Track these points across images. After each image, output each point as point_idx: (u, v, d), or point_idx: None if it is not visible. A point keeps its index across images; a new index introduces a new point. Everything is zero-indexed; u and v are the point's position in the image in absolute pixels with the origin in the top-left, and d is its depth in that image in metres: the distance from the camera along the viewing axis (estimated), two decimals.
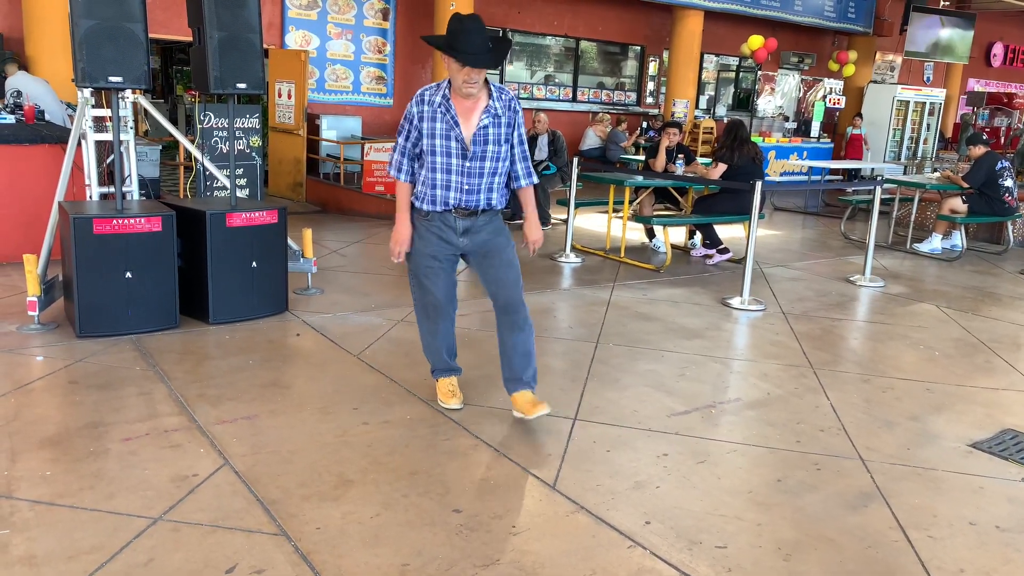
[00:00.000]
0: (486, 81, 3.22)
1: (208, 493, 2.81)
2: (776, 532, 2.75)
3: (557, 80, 14.73)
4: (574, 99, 14.91)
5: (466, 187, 3.25)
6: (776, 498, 3.00)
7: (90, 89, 4.86)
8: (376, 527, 2.65)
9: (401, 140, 3.30)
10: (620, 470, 3.14)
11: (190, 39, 4.82)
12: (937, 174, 9.46)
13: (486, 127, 3.21)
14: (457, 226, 3.31)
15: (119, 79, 4.19)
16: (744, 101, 17.28)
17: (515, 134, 3.32)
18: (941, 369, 4.63)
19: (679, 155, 7.75)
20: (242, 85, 4.59)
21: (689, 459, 3.28)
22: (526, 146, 3.39)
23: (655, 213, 7.97)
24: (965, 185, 8.23)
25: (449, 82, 3.21)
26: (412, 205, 3.35)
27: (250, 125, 6.53)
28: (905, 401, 4.09)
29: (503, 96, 3.26)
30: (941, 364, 4.73)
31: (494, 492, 2.95)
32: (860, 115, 13.87)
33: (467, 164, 3.22)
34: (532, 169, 3.43)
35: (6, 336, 4.35)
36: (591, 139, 12.60)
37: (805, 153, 14.42)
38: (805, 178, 12.77)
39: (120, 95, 4.58)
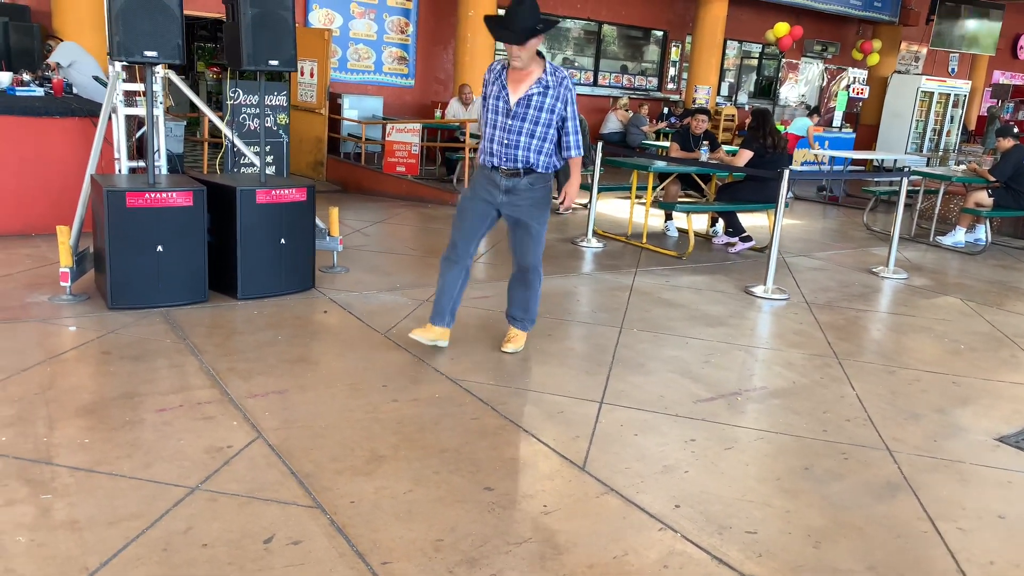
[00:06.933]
0: (541, 57, 3.75)
1: (242, 465, 2.85)
2: (805, 519, 2.77)
3: (578, 64, 14.65)
4: (595, 83, 14.84)
5: (505, 142, 3.75)
6: (804, 486, 3.01)
7: (122, 63, 4.88)
8: (409, 502, 2.68)
9: (482, 105, 3.94)
10: (648, 454, 3.17)
11: (212, 15, 4.84)
12: (962, 167, 9.37)
13: (531, 95, 3.71)
14: (501, 184, 3.83)
15: (154, 53, 4.20)
16: (767, 89, 17.13)
17: (568, 109, 3.79)
18: (966, 363, 4.62)
19: (704, 141, 7.71)
20: (274, 62, 4.60)
21: (716, 445, 3.30)
22: (577, 123, 3.85)
23: (678, 200, 7.95)
24: (991, 178, 8.15)
25: None
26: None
27: (278, 103, 6.55)
28: (931, 393, 4.09)
29: (557, 74, 3.75)
30: (966, 358, 4.72)
31: (524, 471, 2.98)
32: (807, 107, 12.64)
33: (508, 122, 3.74)
34: (580, 142, 3.88)
35: (38, 306, 4.40)
36: (612, 123, 12.56)
37: (827, 143, 14.30)
38: (826, 168, 12.66)
39: (152, 70, 4.59)
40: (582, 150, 3.89)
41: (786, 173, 5.70)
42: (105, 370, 3.64)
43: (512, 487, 2.84)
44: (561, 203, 3.98)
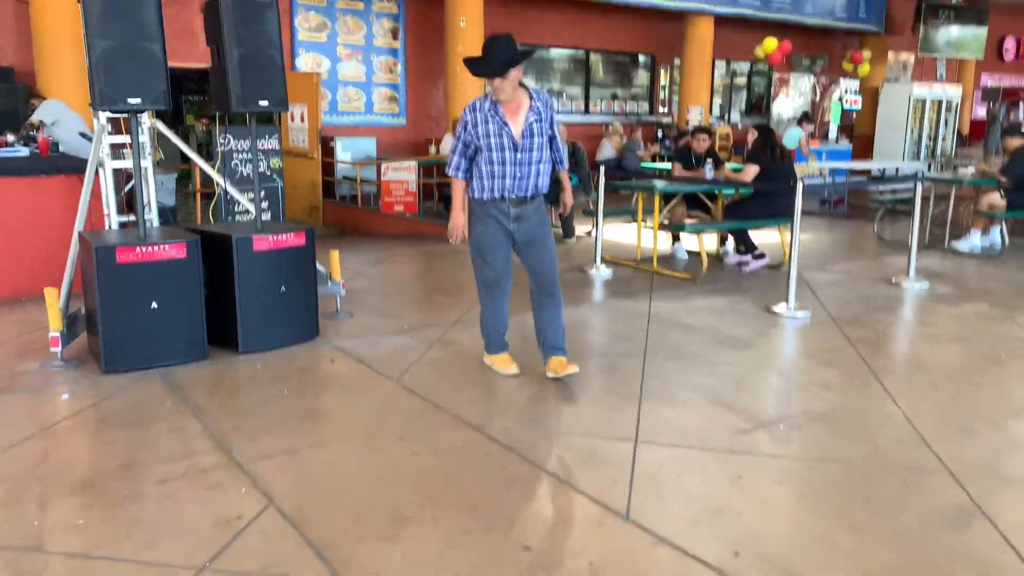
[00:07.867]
0: (523, 86, 3.84)
1: (255, 537, 2.59)
2: (876, 558, 2.51)
3: (567, 93, 14.57)
4: (586, 111, 14.75)
5: (517, 175, 3.84)
6: (867, 518, 2.75)
7: (107, 116, 4.70)
8: (440, 569, 2.42)
9: (459, 145, 3.93)
10: (694, 495, 2.91)
11: (200, 65, 4.66)
12: (971, 169, 9.20)
13: (531, 124, 3.83)
14: (510, 213, 3.90)
15: (138, 100, 4.01)
16: (758, 106, 17.06)
17: (552, 127, 3.95)
18: (1010, 372, 4.37)
19: (708, 159, 7.54)
20: (264, 103, 4.41)
21: (766, 480, 3.04)
22: (559, 137, 4.03)
23: (686, 220, 7.75)
24: (1003, 179, 7.97)
25: None
26: (471, 197, 3.93)
27: (270, 146, 6.36)
28: (981, 407, 3.84)
29: (540, 97, 3.90)
30: (1009, 366, 4.47)
31: (563, 525, 2.73)
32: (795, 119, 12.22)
33: (518, 155, 3.83)
34: (565, 155, 4.10)
35: (29, 375, 4.16)
36: (607, 150, 12.42)
37: (824, 155, 14.17)
38: (826, 181, 12.51)
39: (138, 118, 4.40)
40: (566, 162, 4.11)
41: (800, 185, 5.50)
42: (101, 439, 3.39)
43: (552, 544, 2.58)
44: (563, 212, 4.38)
